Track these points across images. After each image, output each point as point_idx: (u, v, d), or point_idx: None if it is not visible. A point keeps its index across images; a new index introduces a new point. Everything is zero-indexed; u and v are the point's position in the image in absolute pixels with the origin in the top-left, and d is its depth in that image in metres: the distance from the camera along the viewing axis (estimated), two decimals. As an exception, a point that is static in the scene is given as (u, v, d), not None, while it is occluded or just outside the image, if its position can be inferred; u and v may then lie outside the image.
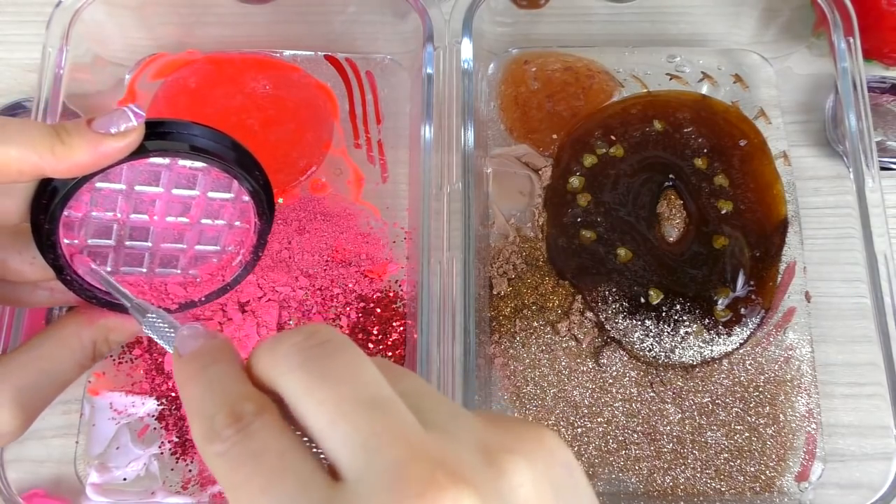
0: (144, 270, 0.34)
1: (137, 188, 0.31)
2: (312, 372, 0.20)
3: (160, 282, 0.34)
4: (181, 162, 0.31)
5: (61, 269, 0.30)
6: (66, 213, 0.29)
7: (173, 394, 0.45)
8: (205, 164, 0.31)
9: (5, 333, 0.40)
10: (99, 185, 0.30)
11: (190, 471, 0.44)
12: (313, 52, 0.53)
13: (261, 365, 0.22)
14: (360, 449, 0.19)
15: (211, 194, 0.32)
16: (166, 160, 0.30)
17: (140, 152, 0.29)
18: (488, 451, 0.20)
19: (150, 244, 0.33)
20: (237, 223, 0.34)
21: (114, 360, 0.45)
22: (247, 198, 0.33)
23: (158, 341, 0.27)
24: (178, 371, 0.23)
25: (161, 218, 0.32)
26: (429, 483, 0.18)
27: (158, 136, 0.29)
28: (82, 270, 0.31)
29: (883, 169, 0.48)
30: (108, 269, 0.33)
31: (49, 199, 0.28)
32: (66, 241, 0.30)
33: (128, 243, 0.33)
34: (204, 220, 0.33)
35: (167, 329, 0.27)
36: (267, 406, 0.21)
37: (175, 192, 0.32)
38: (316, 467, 0.19)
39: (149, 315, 0.28)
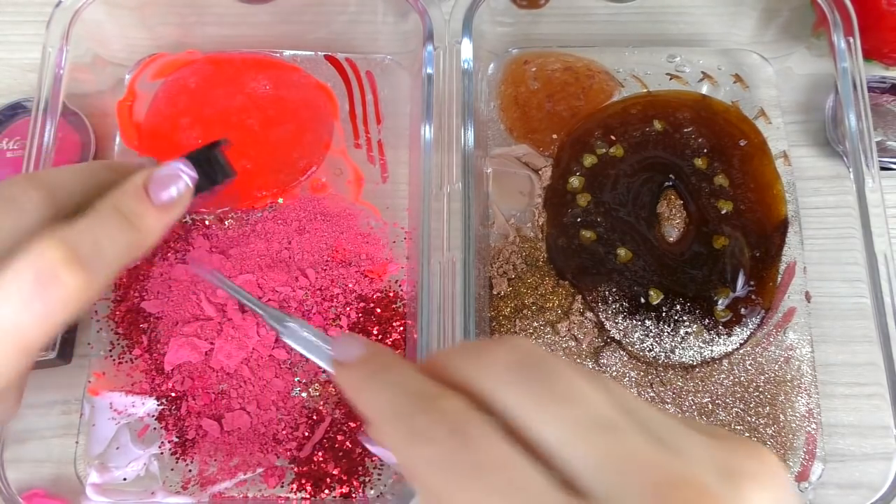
0: None
1: None
2: (543, 389, 0.20)
3: None
4: None
5: None
6: None
7: (173, 394, 0.45)
8: None
9: None
10: None
11: (190, 471, 0.44)
12: (313, 52, 0.53)
13: (462, 371, 0.21)
14: (604, 468, 0.19)
15: None
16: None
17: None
18: (724, 472, 0.20)
19: None
20: None
21: (114, 360, 0.45)
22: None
23: (301, 351, 0.26)
24: (348, 379, 0.23)
25: None
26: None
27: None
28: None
29: (883, 169, 0.48)
30: None
31: None
32: None
33: None
34: None
35: (310, 338, 0.26)
36: (471, 405, 0.20)
37: None
38: (550, 481, 0.19)
39: (288, 323, 0.27)
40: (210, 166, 0.32)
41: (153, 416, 0.45)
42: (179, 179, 0.30)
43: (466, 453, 0.19)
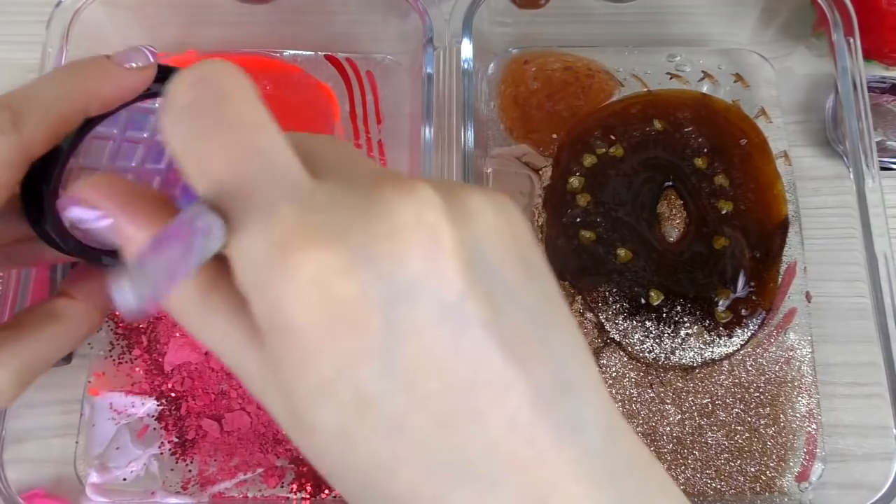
0: None
1: (128, 133, 0.30)
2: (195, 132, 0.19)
3: None
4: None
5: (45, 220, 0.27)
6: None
7: (173, 394, 0.45)
8: None
9: (11, 301, 0.40)
10: (98, 129, 0.29)
11: (190, 471, 0.44)
12: (313, 52, 0.53)
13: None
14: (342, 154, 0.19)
15: None
16: (155, 104, 0.29)
17: (149, 93, 0.27)
18: (457, 187, 0.19)
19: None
20: None
21: (114, 360, 0.45)
22: None
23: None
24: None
25: (141, 165, 0.30)
26: (406, 182, 0.17)
27: (158, 79, 0.29)
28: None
29: (883, 169, 0.48)
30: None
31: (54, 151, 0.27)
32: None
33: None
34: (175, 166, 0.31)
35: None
36: None
37: (157, 137, 0.30)
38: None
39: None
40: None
41: (153, 416, 0.45)
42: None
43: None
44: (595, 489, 0.18)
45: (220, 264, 0.19)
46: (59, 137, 0.25)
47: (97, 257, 0.28)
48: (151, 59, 0.27)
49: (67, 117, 0.25)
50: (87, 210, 0.21)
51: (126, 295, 0.19)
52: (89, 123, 0.27)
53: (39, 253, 0.29)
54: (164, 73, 0.28)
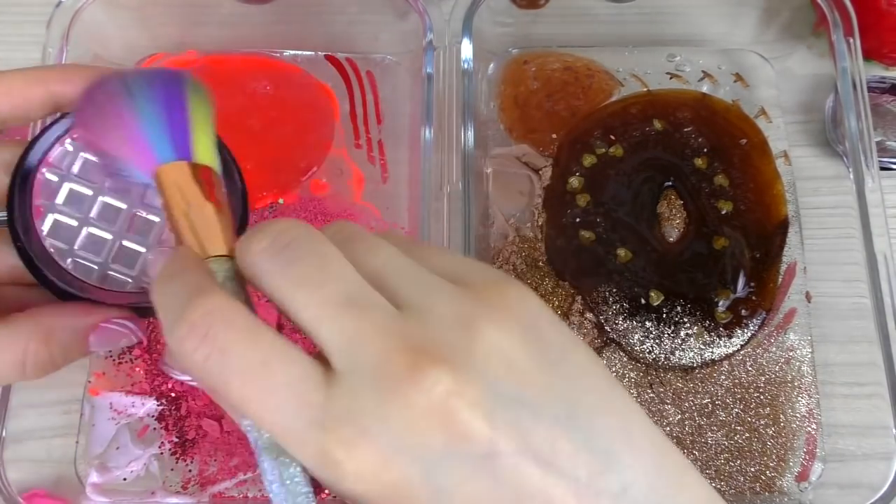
0: (100, 261, 0.30)
1: (108, 190, 0.29)
2: (293, 272, 0.21)
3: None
4: None
5: (26, 233, 0.28)
6: (44, 170, 0.28)
7: (173, 394, 0.45)
8: None
9: None
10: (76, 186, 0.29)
11: (190, 471, 0.44)
12: (313, 52, 0.53)
13: (241, 263, 0.23)
14: (346, 346, 0.20)
15: None
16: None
17: None
18: (463, 322, 0.20)
19: (115, 229, 0.30)
20: None
21: (114, 360, 0.45)
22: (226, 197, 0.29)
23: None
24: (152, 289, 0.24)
25: (136, 202, 0.30)
26: (410, 370, 0.19)
27: None
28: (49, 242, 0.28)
29: (883, 169, 0.48)
30: (65, 246, 0.29)
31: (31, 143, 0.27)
32: (36, 202, 0.28)
33: (91, 226, 0.30)
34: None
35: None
36: (224, 303, 0.21)
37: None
38: (310, 360, 0.21)
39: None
40: None
41: (153, 416, 0.45)
42: (124, 337, 0.28)
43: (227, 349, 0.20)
44: None
45: None
46: (20, 113, 0.27)
47: (63, 290, 0.28)
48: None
49: (30, 94, 0.27)
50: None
51: None
52: (60, 120, 0.27)
53: (28, 298, 0.29)
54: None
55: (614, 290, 0.47)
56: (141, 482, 0.43)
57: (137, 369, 0.45)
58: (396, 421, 0.19)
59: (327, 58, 0.53)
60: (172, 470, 0.44)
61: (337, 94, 0.52)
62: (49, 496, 0.42)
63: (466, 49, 0.47)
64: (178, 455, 0.44)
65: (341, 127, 0.51)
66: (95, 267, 0.29)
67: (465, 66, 0.47)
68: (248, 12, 0.50)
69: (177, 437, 0.44)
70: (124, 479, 0.43)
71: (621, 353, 0.46)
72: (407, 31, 0.49)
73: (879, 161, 0.45)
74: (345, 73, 0.53)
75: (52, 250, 0.28)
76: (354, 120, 0.52)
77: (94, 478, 0.43)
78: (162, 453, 0.44)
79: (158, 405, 0.45)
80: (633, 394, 0.46)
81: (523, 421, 0.19)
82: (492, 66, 0.53)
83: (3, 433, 0.40)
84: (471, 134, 0.46)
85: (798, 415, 0.45)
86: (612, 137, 0.50)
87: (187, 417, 0.44)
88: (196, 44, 0.52)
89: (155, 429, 0.44)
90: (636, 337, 0.46)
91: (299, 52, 0.53)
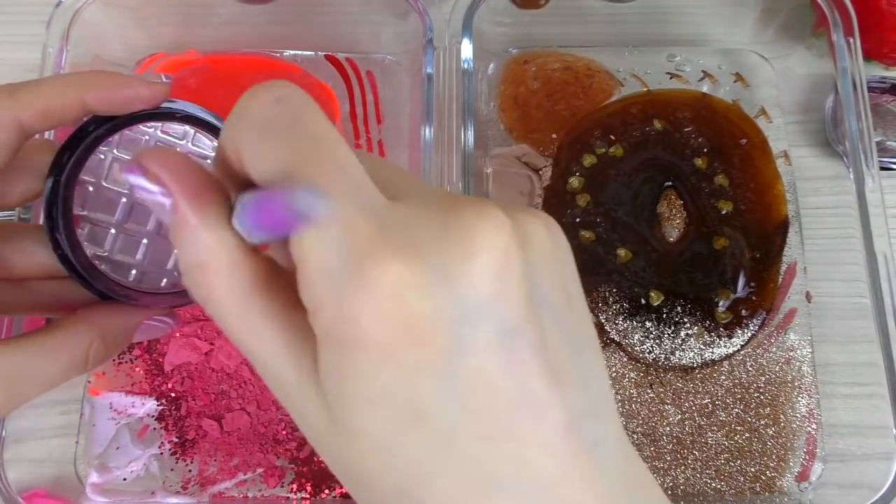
0: (139, 258, 0.31)
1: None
2: (303, 159, 0.19)
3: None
4: (192, 146, 0.30)
5: (70, 244, 0.28)
6: (82, 177, 0.28)
7: (173, 394, 0.45)
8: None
9: (6, 328, 0.40)
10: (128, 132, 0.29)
11: (190, 471, 0.44)
12: (313, 52, 0.53)
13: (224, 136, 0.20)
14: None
15: None
16: (190, 131, 0.30)
17: (165, 115, 0.28)
18: (449, 223, 0.18)
19: (148, 230, 0.31)
20: None
21: (114, 360, 0.45)
22: None
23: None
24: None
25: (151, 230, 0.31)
26: (476, 217, 0.18)
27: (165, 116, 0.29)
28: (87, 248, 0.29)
29: (883, 169, 0.48)
30: (105, 251, 0.30)
31: (70, 147, 0.27)
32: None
33: (124, 230, 0.30)
34: None
35: None
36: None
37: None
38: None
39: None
40: None
41: (153, 416, 0.45)
42: (162, 331, 0.30)
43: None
44: None
45: (268, 269, 0.20)
46: (55, 116, 0.26)
47: (103, 291, 0.29)
48: (165, 80, 0.28)
49: (64, 99, 0.26)
50: (146, 182, 0.20)
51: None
52: (96, 130, 0.27)
53: (62, 293, 0.30)
54: (170, 111, 0.29)
55: (614, 290, 0.47)
56: (141, 482, 0.43)
57: (137, 369, 0.45)
58: (455, 246, 0.18)
59: (327, 58, 0.53)
60: (172, 470, 0.44)
61: (337, 94, 0.52)
62: (49, 496, 0.42)
63: (466, 49, 0.47)
64: (177, 455, 0.44)
65: (341, 127, 0.51)
66: (133, 270, 0.30)
67: (465, 65, 0.47)
68: (248, 12, 0.50)
69: (177, 437, 0.44)
70: (124, 479, 0.43)
71: (621, 353, 0.46)
72: (407, 31, 0.49)
73: (879, 161, 0.45)
74: (345, 73, 0.53)
75: (93, 259, 0.29)
76: (354, 120, 0.52)
77: (94, 478, 0.43)
78: (162, 453, 0.44)
79: (158, 405, 0.45)
80: (633, 394, 0.46)
81: (545, 319, 0.19)
82: (492, 65, 0.53)
83: (3, 433, 0.40)
84: (471, 134, 0.45)
85: (798, 415, 0.45)
86: (612, 137, 0.50)
87: (187, 417, 0.44)
88: (196, 44, 0.52)
89: (155, 429, 0.44)
90: (636, 337, 0.46)
91: (299, 52, 0.53)
